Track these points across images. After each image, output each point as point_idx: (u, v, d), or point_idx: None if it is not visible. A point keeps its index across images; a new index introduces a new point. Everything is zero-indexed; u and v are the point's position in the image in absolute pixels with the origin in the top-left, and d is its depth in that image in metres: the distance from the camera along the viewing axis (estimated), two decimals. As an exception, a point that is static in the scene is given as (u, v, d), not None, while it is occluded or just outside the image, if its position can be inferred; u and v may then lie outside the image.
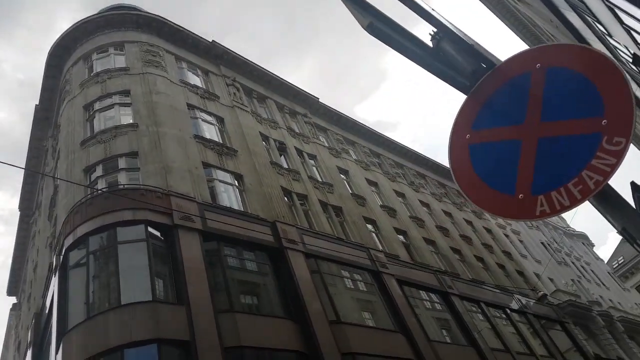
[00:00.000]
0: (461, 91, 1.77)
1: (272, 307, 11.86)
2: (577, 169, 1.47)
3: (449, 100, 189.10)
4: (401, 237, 20.03)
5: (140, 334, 9.10)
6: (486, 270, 22.96)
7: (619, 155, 1.37)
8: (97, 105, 14.71)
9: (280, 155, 17.80)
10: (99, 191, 11.86)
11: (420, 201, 24.57)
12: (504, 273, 24.17)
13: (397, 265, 16.75)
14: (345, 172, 21.07)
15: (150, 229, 11.06)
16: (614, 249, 54.33)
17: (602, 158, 1.41)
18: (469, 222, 27.03)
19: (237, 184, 14.38)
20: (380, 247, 17.60)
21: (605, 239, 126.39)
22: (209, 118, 16.13)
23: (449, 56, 1.69)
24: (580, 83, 1.52)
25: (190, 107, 15.71)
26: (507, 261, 26.02)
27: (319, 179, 18.51)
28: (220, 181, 13.95)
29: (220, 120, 16.43)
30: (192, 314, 9.65)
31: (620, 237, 55.83)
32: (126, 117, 14.19)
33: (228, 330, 9.90)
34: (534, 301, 22.82)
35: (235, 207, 13.43)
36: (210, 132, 15.59)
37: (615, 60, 1.43)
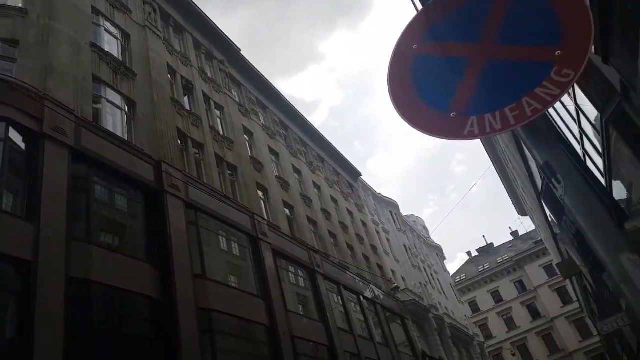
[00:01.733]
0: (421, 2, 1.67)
1: (134, 248, 11.12)
2: (519, 95, 1.46)
3: (372, 98, 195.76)
4: (287, 211, 20.23)
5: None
6: (353, 258, 24.27)
7: (564, 87, 1.39)
8: (-19, -26, 12.30)
9: (185, 95, 16.71)
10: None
11: (314, 182, 25.08)
12: (367, 264, 25.78)
13: (276, 236, 16.91)
14: (250, 133, 20.59)
15: (12, 131, 9.59)
16: (459, 266, 61.26)
17: (547, 88, 1.41)
18: (350, 213, 28.28)
19: (127, 110, 13.15)
20: (265, 216, 17.59)
21: (455, 258, 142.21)
22: (113, 30, 14.47)
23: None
24: (544, 11, 1.50)
25: (96, 12, 13.93)
26: (372, 254, 27.79)
27: (221, 132, 17.81)
28: (109, 101, 12.62)
29: (126, 36, 14.85)
30: (41, 234, 8.55)
31: (467, 257, 63.14)
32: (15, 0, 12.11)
33: (78, 260, 9.01)
34: (384, 294, 24.72)
35: (119, 134, 12.27)
36: (111, 45, 14.00)
37: (586, -5, 1.43)
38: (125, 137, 12.40)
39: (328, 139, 29.70)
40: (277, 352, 13.32)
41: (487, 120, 1.47)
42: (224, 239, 14.56)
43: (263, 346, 13.39)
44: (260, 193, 18.54)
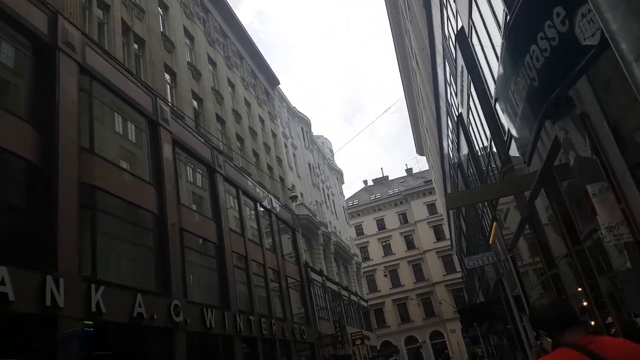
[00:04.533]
0: None
1: (16, 105, 9.83)
2: None
3: (306, 13, 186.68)
4: (195, 103, 19.12)
5: None
6: (257, 166, 24.16)
7: None
8: None
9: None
10: None
11: (229, 79, 23.78)
12: (269, 174, 25.91)
13: (179, 127, 15.97)
14: (165, 7, 18.50)
15: None
16: (354, 192, 64.73)
17: None
18: (262, 120, 27.69)
19: (19, -58, 10.89)
20: (170, 102, 16.41)
21: (352, 184, 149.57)
22: None
23: None
24: None
25: None
26: (276, 166, 27.94)
27: (132, -3, 15.74)
28: None
29: None
30: None
31: (363, 185, 66.74)
32: None
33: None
34: (281, 206, 25.34)
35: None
36: None
37: None
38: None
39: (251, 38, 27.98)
40: (162, 241, 13.11)
41: None
42: (119, 117, 13.40)
43: (149, 233, 13.07)
44: (167, 76, 17.15)
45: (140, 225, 12.94)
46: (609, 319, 5.85)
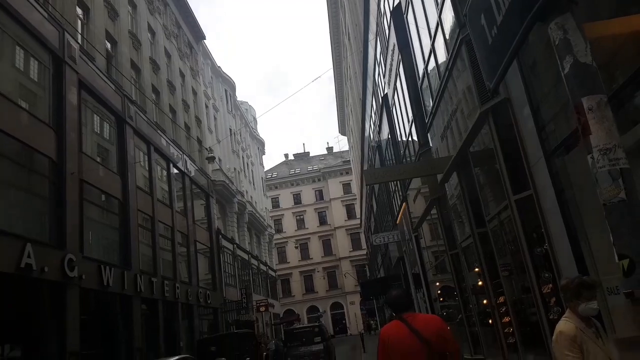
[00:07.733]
0: None
1: None
2: None
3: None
4: (109, 45, 17.47)
5: None
6: (173, 122, 22.88)
7: None
8: None
9: None
10: None
11: (149, 25, 22.00)
12: (186, 134, 24.71)
13: (88, 68, 14.50)
14: None
15: None
16: (274, 165, 64.43)
17: None
18: (183, 75, 26.17)
19: None
20: (80, 40, 14.80)
21: (273, 156, 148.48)
22: None
23: None
24: None
25: None
26: (195, 126, 26.71)
27: None
28: None
29: None
30: None
31: (283, 158, 66.59)
32: None
33: None
34: (196, 169, 24.38)
35: None
36: None
37: None
38: None
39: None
40: (59, 191, 12.00)
41: None
42: (21, 50, 11.86)
43: (44, 180, 11.89)
44: (79, 11, 15.46)
45: (35, 171, 11.72)
46: (501, 299, 6.35)
